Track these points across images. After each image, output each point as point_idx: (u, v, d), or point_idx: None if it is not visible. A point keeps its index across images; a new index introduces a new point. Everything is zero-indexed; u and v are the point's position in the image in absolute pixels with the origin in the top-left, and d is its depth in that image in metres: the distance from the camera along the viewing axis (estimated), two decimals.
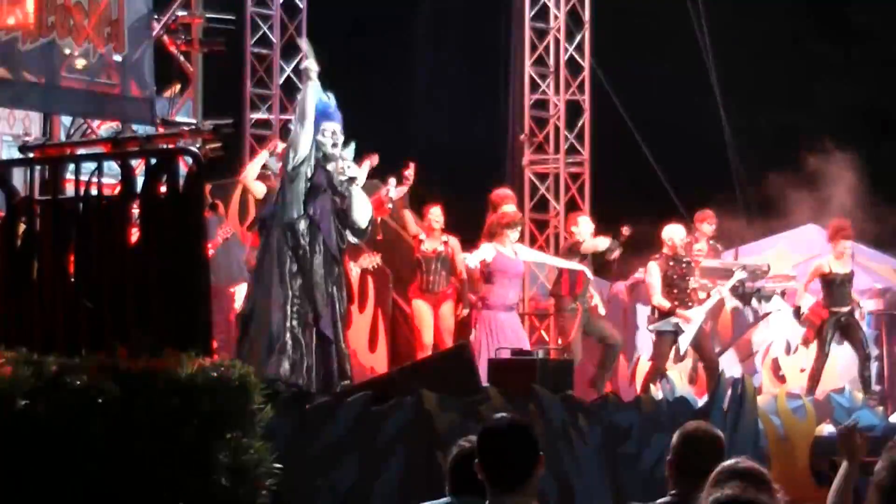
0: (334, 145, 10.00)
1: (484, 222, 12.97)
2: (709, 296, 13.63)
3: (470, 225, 13.52)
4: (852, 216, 14.58)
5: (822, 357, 13.77)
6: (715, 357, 13.58)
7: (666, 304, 13.26)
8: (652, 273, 13.43)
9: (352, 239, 10.37)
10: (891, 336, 14.66)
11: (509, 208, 13.06)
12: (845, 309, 13.78)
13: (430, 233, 13.07)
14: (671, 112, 18.25)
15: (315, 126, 10.01)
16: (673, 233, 13.51)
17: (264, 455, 6.95)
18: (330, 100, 10.20)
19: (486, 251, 12.43)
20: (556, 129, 16.56)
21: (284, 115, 16.55)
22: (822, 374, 13.69)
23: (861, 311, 14.11)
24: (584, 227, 13.61)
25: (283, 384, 9.58)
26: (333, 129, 10.03)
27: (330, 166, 9.97)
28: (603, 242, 13.44)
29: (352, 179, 9.99)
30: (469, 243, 13.09)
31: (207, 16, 12.72)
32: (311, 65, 10.17)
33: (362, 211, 10.14)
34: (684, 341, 13.30)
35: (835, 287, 13.75)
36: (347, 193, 9.98)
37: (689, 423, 5.78)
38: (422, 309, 12.96)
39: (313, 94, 10.13)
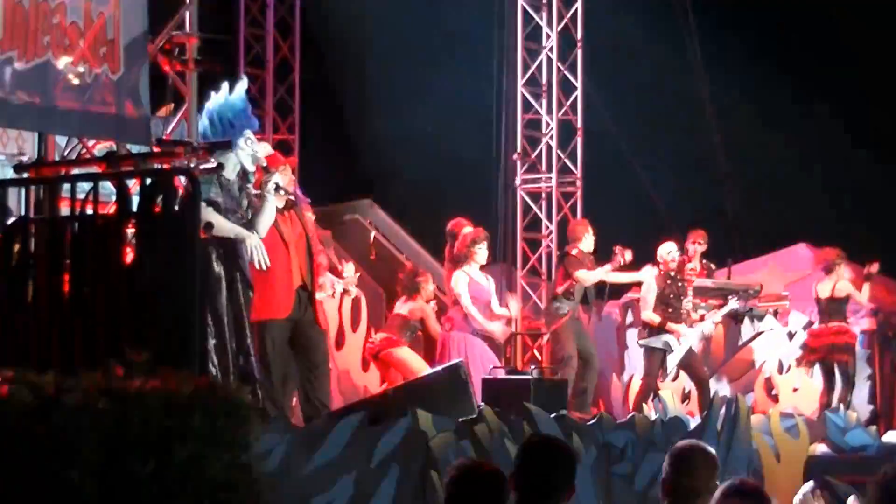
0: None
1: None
2: (702, 318, 13.66)
3: None
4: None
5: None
6: (705, 376, 13.58)
7: (656, 319, 13.29)
8: (648, 288, 13.45)
9: None
10: (883, 355, 14.69)
11: (467, 229, 12.81)
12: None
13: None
14: (664, 131, 18.29)
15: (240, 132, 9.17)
16: (667, 251, 13.55)
17: (259, 475, 6.96)
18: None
19: (459, 282, 12.27)
20: (549, 148, 16.60)
21: (277, 135, 16.77)
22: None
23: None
24: (587, 242, 13.51)
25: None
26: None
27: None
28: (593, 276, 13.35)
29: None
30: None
31: (202, 36, 12.71)
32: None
33: None
34: (672, 361, 13.32)
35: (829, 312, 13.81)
36: None
37: (682, 442, 5.76)
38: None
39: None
